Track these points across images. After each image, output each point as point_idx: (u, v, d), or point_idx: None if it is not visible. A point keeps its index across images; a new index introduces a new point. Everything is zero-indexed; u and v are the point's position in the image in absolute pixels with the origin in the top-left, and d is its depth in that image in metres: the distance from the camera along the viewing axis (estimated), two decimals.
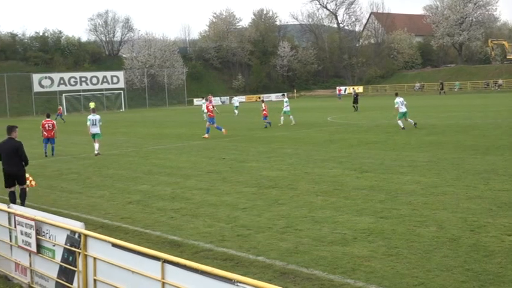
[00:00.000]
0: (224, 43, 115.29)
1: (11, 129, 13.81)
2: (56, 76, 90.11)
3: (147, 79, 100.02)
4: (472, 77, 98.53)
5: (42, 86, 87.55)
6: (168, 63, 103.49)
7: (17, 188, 13.99)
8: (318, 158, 20.88)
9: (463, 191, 13.42)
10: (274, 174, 17.43)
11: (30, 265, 8.42)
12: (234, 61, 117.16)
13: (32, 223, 8.06)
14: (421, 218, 11.11)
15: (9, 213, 8.83)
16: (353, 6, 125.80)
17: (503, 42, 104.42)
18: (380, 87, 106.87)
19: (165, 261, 5.88)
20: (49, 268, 7.93)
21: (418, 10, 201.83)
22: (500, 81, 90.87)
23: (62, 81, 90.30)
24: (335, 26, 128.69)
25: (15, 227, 8.56)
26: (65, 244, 7.52)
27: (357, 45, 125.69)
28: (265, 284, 4.77)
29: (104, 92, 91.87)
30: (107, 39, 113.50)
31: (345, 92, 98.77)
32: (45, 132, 25.90)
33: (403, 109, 30.97)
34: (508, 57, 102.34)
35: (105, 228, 11.71)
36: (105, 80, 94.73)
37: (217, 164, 20.69)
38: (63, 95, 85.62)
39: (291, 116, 37.74)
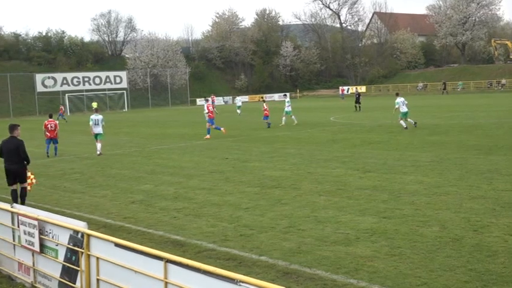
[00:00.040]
0: (227, 43, 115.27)
1: (13, 127, 14.01)
2: (59, 76, 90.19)
3: (150, 79, 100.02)
4: (475, 77, 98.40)
5: (45, 86, 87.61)
6: (170, 63, 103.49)
7: (18, 187, 14.09)
8: (320, 157, 20.87)
9: (466, 191, 13.41)
10: (277, 174, 17.42)
11: (33, 265, 8.44)
12: (236, 61, 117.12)
13: (35, 223, 8.07)
14: (424, 218, 11.10)
15: (12, 212, 8.85)
16: (356, 6, 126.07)
17: (507, 42, 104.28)
18: (383, 87, 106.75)
19: (168, 260, 5.88)
20: (52, 268, 7.94)
21: (421, 10, 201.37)
22: (503, 81, 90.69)
23: (65, 81, 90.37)
24: (338, 25, 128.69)
25: (18, 226, 8.58)
26: (68, 244, 7.52)
27: (360, 45, 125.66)
28: (268, 283, 4.77)
29: (107, 92, 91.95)
30: (110, 39, 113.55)
31: (347, 91, 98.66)
32: (47, 133, 25.90)
33: (404, 109, 30.93)
34: (511, 57, 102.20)
35: (108, 227, 11.72)
36: (108, 80, 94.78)
37: (220, 163, 20.69)
38: (66, 95, 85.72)
39: (292, 116, 37.70)
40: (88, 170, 21.01)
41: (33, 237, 8.17)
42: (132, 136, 35.64)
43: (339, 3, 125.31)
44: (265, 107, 36.89)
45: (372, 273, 8.24)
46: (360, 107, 51.14)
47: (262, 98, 77.87)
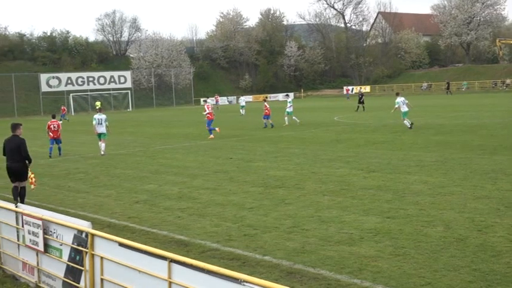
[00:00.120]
0: (231, 43, 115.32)
1: (15, 126, 14.28)
2: (63, 76, 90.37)
3: (154, 79, 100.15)
4: (480, 77, 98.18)
5: (49, 86, 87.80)
6: (175, 63, 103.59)
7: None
8: (324, 157, 20.86)
9: (470, 191, 13.38)
10: (281, 174, 17.42)
11: (38, 264, 8.45)
12: (241, 61, 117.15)
13: (40, 222, 8.08)
14: (428, 218, 11.09)
15: (16, 212, 8.86)
16: (360, 5, 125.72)
17: (511, 42, 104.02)
18: (387, 87, 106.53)
19: (172, 260, 5.89)
20: (56, 267, 7.95)
21: (425, 9, 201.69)
22: (508, 81, 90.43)
23: (69, 81, 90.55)
24: (342, 25, 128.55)
25: (22, 226, 8.59)
26: (72, 243, 7.53)
27: (364, 44, 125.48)
28: (271, 283, 4.77)
29: (111, 91, 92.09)
30: (114, 39, 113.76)
31: (352, 91, 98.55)
32: (50, 133, 25.92)
33: (404, 109, 30.90)
34: None
35: (112, 227, 11.73)
36: (112, 79, 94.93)
37: (224, 163, 20.70)
38: (71, 94, 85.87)
39: (294, 117, 37.66)
40: (92, 169, 21.05)
41: (38, 236, 8.19)
42: (137, 136, 35.69)
43: (343, 3, 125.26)
44: (267, 106, 36.74)
45: (375, 273, 8.23)
46: (363, 107, 51.02)
47: (266, 97, 77.56)
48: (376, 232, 10.30)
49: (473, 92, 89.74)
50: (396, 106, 31.37)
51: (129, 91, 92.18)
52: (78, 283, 7.42)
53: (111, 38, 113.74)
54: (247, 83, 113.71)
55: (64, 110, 62.00)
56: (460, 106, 51.69)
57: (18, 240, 8.94)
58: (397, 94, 33.38)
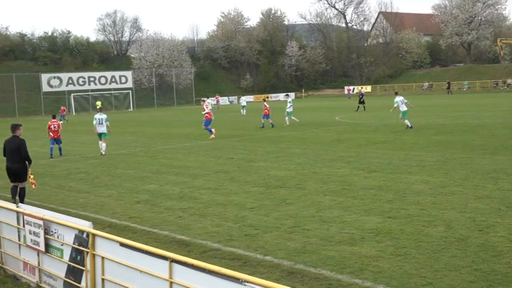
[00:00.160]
0: (232, 43, 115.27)
1: (15, 127, 14.37)
2: (64, 76, 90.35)
3: (155, 79, 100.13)
4: (481, 77, 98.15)
5: (50, 86, 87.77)
6: (176, 63, 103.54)
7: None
8: (326, 157, 20.87)
9: (471, 191, 13.38)
10: (282, 174, 17.42)
11: (39, 264, 8.45)
12: (242, 61, 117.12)
13: (41, 222, 8.09)
14: (429, 217, 11.09)
15: (17, 212, 8.87)
16: (361, 5, 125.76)
17: None
18: (388, 87, 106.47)
19: (173, 260, 5.89)
20: (57, 267, 7.95)
21: (426, 9, 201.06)
22: (509, 81, 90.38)
23: (70, 81, 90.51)
24: (343, 25, 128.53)
25: (23, 226, 8.60)
26: (73, 243, 7.54)
27: (365, 44, 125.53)
28: (272, 283, 4.77)
29: (113, 91, 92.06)
30: (116, 39, 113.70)
31: (353, 91, 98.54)
32: (51, 133, 25.89)
33: (403, 108, 30.91)
34: None
35: (113, 227, 11.74)
36: (113, 79, 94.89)
37: (225, 163, 20.70)
38: (72, 94, 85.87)
39: (292, 117, 37.73)
40: (93, 169, 21.05)
41: (39, 237, 8.19)
42: (138, 136, 35.70)
43: (344, 3, 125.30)
44: (266, 106, 36.82)
45: (377, 273, 8.23)
46: (364, 107, 50.98)
47: (267, 97, 77.65)
48: (377, 232, 10.30)
49: (474, 91, 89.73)
50: (395, 105, 31.40)
51: (130, 91, 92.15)
52: (79, 283, 7.42)
53: (112, 38, 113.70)
54: (248, 83, 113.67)
55: (64, 110, 61.65)
56: (461, 106, 51.69)
57: (19, 240, 8.95)
58: (396, 93, 33.39)
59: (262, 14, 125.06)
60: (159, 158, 23.52)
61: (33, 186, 14.33)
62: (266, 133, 32.52)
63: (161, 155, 24.56)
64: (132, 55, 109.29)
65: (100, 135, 25.51)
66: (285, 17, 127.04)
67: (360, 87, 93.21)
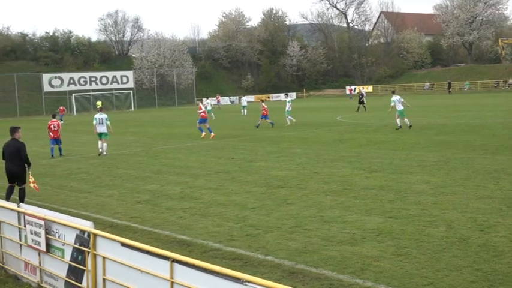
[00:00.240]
0: (233, 43, 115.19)
1: (14, 130, 14.37)
2: (65, 76, 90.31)
3: (157, 79, 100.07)
4: (482, 77, 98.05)
5: (52, 86, 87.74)
6: (177, 63, 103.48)
7: (17, 189, 14.24)
8: (327, 157, 20.86)
9: (472, 191, 13.38)
10: (283, 174, 17.42)
11: (40, 264, 8.46)
12: (243, 61, 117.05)
13: (42, 222, 8.09)
14: (431, 218, 11.08)
15: (19, 212, 8.87)
16: (363, 5, 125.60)
17: None
18: (389, 87, 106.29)
19: (174, 260, 5.89)
20: (58, 267, 7.96)
21: (428, 9, 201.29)
22: (510, 81, 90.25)
23: (71, 81, 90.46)
24: (344, 25, 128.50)
25: (24, 226, 8.60)
26: (74, 243, 7.54)
27: (367, 44, 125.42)
28: (274, 283, 4.77)
29: (114, 91, 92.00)
30: (117, 39, 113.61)
31: (354, 91, 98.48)
32: (51, 133, 25.83)
33: (400, 107, 30.90)
34: None
35: (114, 227, 11.74)
36: (114, 79, 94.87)
37: (226, 163, 20.70)
38: (73, 94, 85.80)
39: (289, 117, 37.77)
40: (94, 169, 21.06)
41: (40, 236, 8.20)
42: (139, 136, 35.71)
43: (345, 3, 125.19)
44: (264, 107, 36.95)
45: (378, 273, 8.23)
46: (364, 107, 50.91)
47: (268, 97, 77.78)
48: (378, 232, 10.30)
49: (475, 91, 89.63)
50: (392, 104, 31.42)
51: (131, 91, 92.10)
52: (80, 283, 7.43)
53: (113, 38, 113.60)
54: (249, 83, 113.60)
55: (62, 110, 61.11)
56: (462, 106, 51.66)
57: (20, 240, 8.95)
58: (393, 92, 33.40)
59: (264, 14, 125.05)
60: (160, 158, 23.53)
61: (36, 190, 14.26)
62: (267, 133, 32.51)
63: (162, 155, 24.56)
64: (133, 55, 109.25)
65: (100, 135, 25.50)
66: (286, 17, 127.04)
67: (361, 87, 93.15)
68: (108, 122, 25.70)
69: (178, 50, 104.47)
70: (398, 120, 30.70)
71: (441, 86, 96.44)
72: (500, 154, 19.32)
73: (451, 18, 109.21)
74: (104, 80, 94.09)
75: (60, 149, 26.00)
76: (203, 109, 32.05)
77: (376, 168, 17.67)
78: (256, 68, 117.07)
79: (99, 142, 25.52)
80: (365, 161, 19.41)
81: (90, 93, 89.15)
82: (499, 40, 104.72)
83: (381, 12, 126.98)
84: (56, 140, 25.82)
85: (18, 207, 9.03)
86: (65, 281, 7.77)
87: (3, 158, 14.24)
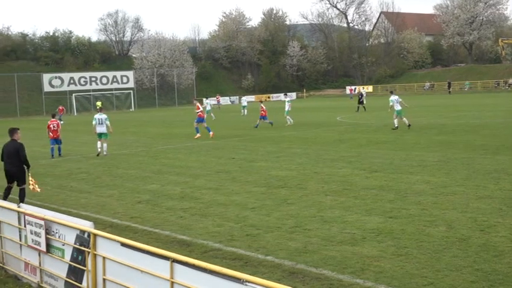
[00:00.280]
0: (234, 43, 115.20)
1: (12, 131, 14.39)
2: (66, 76, 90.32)
3: (157, 79, 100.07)
4: (482, 77, 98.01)
5: (52, 86, 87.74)
6: (177, 63, 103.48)
7: (17, 189, 14.24)
8: (327, 157, 20.86)
9: (472, 191, 13.37)
10: (284, 174, 17.42)
11: (40, 264, 8.46)
12: (243, 61, 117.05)
13: (42, 222, 8.09)
14: (431, 217, 11.08)
15: (19, 212, 8.87)
16: (363, 5, 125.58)
17: None
18: (390, 87, 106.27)
19: (174, 260, 5.89)
20: (58, 267, 7.96)
21: (428, 9, 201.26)
22: (510, 81, 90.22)
23: (72, 81, 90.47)
24: (345, 25, 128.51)
25: (25, 226, 8.60)
26: (75, 243, 7.54)
27: (367, 44, 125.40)
28: (274, 283, 4.77)
29: (114, 91, 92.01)
30: (117, 39, 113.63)
31: (354, 91, 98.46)
32: (50, 133, 25.81)
33: (398, 107, 30.91)
34: None
35: (114, 227, 11.74)
36: (115, 79, 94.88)
37: (226, 163, 20.70)
38: (73, 94, 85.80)
39: (288, 117, 37.80)
40: (94, 169, 21.06)
41: (40, 237, 8.20)
42: (139, 136, 35.72)
43: (346, 3, 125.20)
44: (263, 107, 37.06)
45: (378, 273, 8.23)
46: (364, 107, 50.88)
47: (268, 98, 77.65)
48: (379, 232, 10.30)
49: (475, 91, 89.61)
50: (391, 104, 31.43)
51: (131, 91, 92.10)
52: (81, 283, 7.42)
53: (113, 38, 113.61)
54: (249, 83, 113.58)
55: (61, 110, 60.39)
56: (462, 106, 51.66)
57: (20, 240, 8.95)
58: (391, 92, 33.39)
59: (264, 14, 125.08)
60: (161, 158, 23.53)
61: (38, 190, 14.23)
62: (267, 133, 32.51)
63: (162, 155, 24.56)
64: (133, 55, 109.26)
65: (100, 135, 25.47)
66: (286, 17, 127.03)
67: (361, 88, 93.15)
68: (108, 122, 25.66)
69: (178, 50, 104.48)
70: (395, 121, 30.73)
71: (441, 86, 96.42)
72: (500, 154, 19.32)
73: (451, 18, 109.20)
74: (104, 80, 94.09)
75: (59, 149, 25.97)
76: (201, 108, 32.11)
77: (377, 168, 17.67)
78: (257, 68, 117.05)
79: (98, 142, 25.49)
80: (365, 161, 19.41)
81: (91, 93, 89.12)
82: (499, 40, 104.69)
83: (381, 12, 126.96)
84: (56, 140, 25.80)
85: (18, 207, 9.03)
86: (65, 281, 7.77)
87: (2, 159, 14.27)
